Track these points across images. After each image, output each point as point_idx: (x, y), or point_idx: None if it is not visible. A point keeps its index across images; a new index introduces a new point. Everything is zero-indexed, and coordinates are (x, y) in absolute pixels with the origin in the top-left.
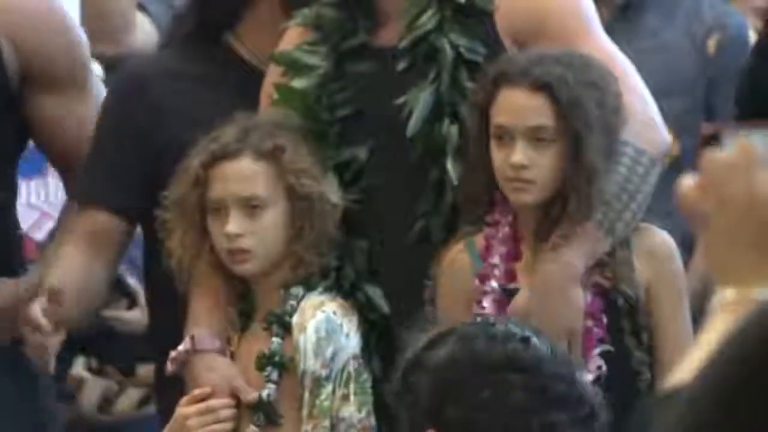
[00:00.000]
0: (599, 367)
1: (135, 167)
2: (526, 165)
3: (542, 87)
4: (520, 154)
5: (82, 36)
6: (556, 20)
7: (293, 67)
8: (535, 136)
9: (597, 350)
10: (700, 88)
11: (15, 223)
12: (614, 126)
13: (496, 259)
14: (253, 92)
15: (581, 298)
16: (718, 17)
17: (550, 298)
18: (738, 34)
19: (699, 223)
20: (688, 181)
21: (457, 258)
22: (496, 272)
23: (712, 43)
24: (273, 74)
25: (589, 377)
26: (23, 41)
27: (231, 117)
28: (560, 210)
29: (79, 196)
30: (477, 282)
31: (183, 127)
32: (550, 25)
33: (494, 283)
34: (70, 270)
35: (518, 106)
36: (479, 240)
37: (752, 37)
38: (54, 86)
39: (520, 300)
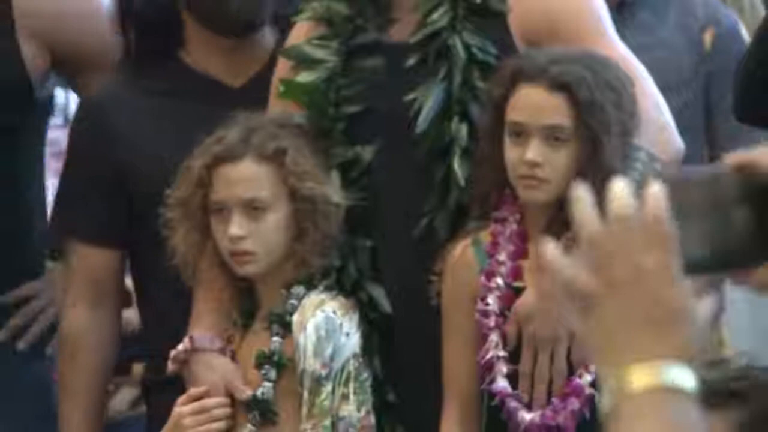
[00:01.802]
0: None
1: (108, 197)
2: (540, 163)
3: (561, 86)
4: (534, 151)
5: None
6: (569, 21)
7: (302, 61)
8: (551, 135)
9: None
10: (697, 83)
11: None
12: (630, 129)
13: (502, 256)
14: (214, 101)
15: None
16: (710, 12)
17: (554, 301)
18: (731, 28)
19: (579, 309)
20: (568, 271)
21: (463, 254)
22: (503, 270)
23: (707, 38)
24: (282, 69)
25: (589, 378)
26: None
27: (197, 127)
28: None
29: (64, 232)
30: (483, 279)
31: (148, 145)
32: (564, 26)
33: (500, 281)
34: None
35: (535, 104)
36: (486, 236)
37: (743, 31)
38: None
39: (525, 300)
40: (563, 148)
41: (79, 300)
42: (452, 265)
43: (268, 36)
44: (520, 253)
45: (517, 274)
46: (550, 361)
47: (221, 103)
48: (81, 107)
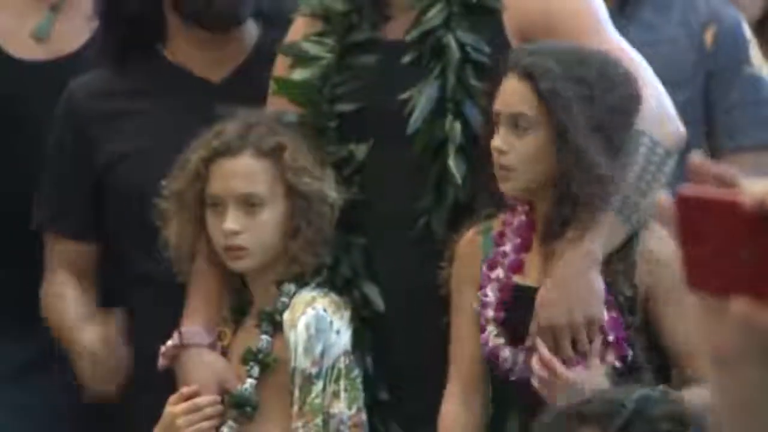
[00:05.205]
0: (625, 357)
1: (80, 190)
2: (504, 150)
3: (527, 76)
4: (499, 139)
5: None
6: (566, 18)
7: (298, 57)
8: (515, 123)
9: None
10: (699, 80)
11: None
12: (614, 124)
13: (507, 248)
14: (195, 97)
15: (602, 285)
16: (713, 9)
17: (571, 286)
18: (733, 26)
19: None
20: None
21: (471, 241)
22: (505, 261)
23: (709, 36)
24: (280, 66)
25: (617, 364)
26: None
27: (178, 125)
28: (570, 210)
29: (40, 224)
30: (485, 268)
31: (121, 142)
32: (561, 23)
33: (500, 273)
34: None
35: (506, 93)
36: (497, 224)
37: (746, 29)
38: None
39: (543, 293)
40: (527, 137)
41: (58, 271)
42: (460, 251)
43: (249, 31)
44: (525, 245)
45: (518, 268)
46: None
47: (202, 99)
48: (60, 103)
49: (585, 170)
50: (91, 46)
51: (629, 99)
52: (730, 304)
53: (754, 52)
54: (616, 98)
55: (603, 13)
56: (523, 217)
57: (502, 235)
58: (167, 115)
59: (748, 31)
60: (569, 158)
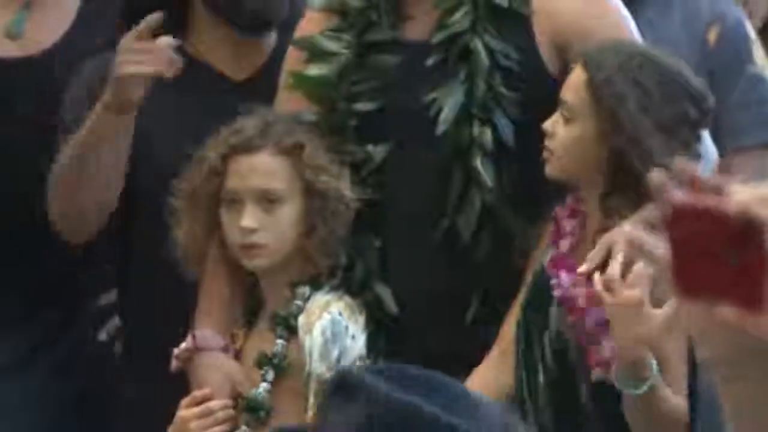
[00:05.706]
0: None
1: None
2: (550, 133)
3: (585, 67)
4: (548, 122)
5: None
6: (601, 24)
7: (314, 52)
8: (561, 111)
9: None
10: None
11: None
12: (681, 132)
13: (565, 241)
14: (217, 94)
15: None
16: (716, 8)
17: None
18: (736, 25)
19: None
20: None
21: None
22: (562, 243)
23: (712, 35)
24: (292, 60)
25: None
26: None
27: (199, 121)
28: (629, 196)
29: None
30: (548, 264)
31: (150, 141)
32: (596, 28)
33: (564, 276)
34: None
35: (566, 81)
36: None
37: (749, 28)
38: None
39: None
40: (572, 124)
41: None
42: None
43: (270, 34)
44: (576, 245)
45: (571, 268)
46: None
47: (224, 97)
48: (83, 79)
49: (640, 153)
50: (67, 42)
51: (697, 110)
52: (718, 310)
53: (758, 51)
54: (681, 108)
55: (631, 19)
56: (574, 221)
57: (558, 228)
58: (189, 112)
59: (751, 31)
60: (622, 141)
